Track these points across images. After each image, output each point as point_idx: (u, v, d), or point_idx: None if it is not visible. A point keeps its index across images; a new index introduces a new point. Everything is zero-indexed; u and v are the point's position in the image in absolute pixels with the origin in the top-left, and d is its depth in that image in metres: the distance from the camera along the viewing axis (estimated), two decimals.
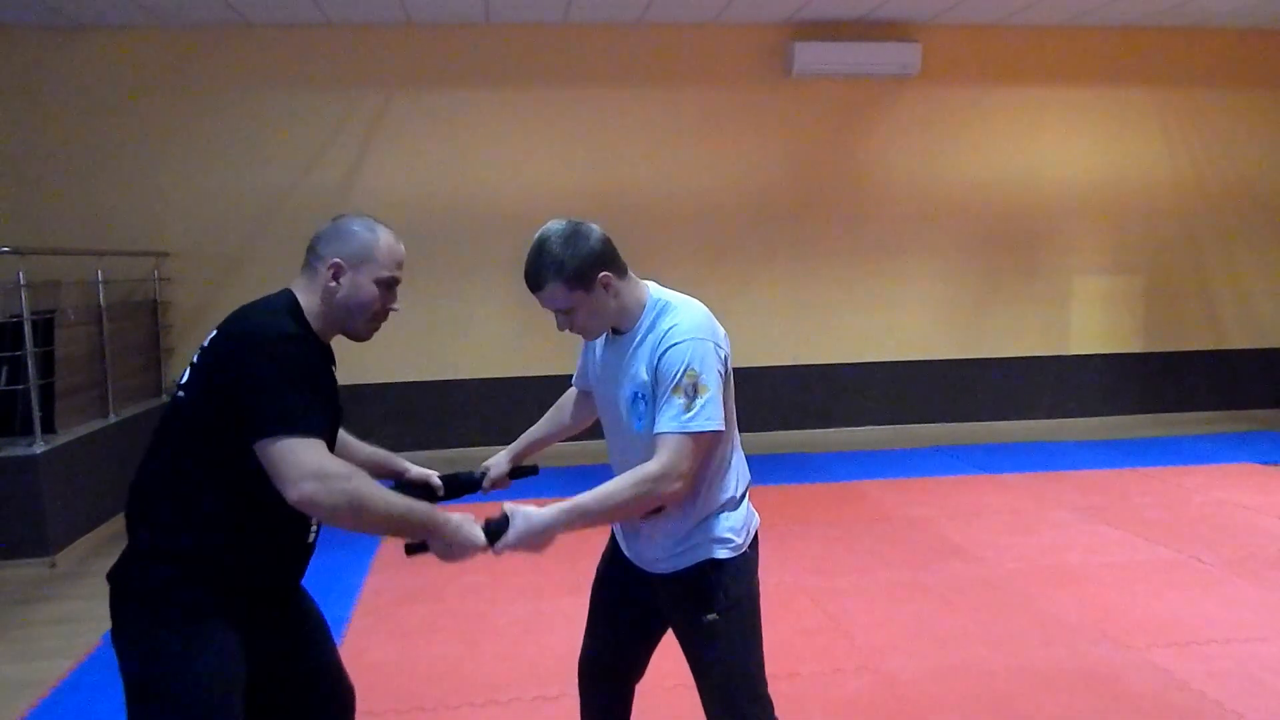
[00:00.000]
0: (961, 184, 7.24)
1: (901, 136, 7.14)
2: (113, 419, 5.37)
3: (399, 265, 1.84)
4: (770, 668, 2.00)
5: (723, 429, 1.82)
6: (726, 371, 1.89)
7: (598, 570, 2.19)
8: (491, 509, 1.83)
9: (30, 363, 4.59)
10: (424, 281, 6.73)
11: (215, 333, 1.74)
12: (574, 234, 1.84)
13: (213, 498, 1.68)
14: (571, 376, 2.32)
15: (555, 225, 1.86)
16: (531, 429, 2.36)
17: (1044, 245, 7.40)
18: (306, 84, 6.57)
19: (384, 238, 1.83)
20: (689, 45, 6.85)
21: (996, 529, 4.80)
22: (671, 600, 1.98)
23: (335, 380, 1.88)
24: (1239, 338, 7.71)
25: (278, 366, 1.63)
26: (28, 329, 4.60)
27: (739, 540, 1.94)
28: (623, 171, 6.89)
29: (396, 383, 6.76)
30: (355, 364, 6.82)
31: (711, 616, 1.91)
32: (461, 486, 2.25)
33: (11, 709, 3.14)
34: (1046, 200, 7.33)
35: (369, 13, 6.28)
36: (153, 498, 1.73)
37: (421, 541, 1.76)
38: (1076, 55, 7.21)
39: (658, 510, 1.89)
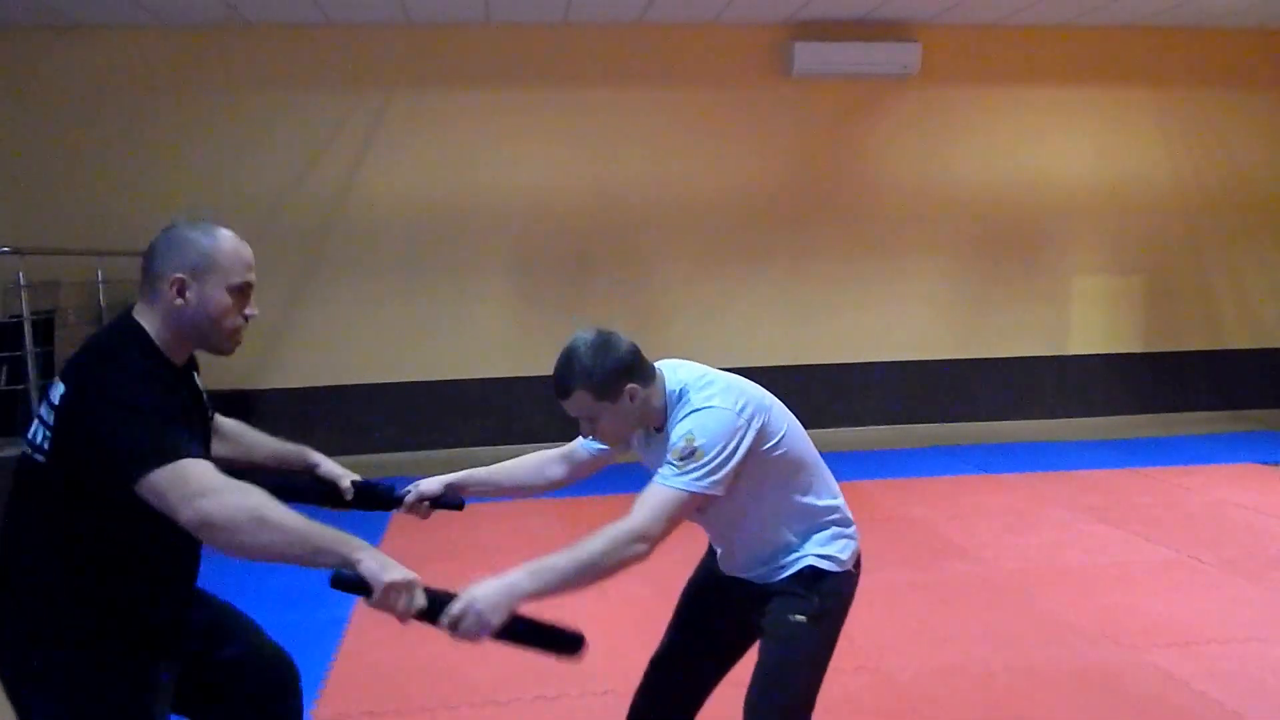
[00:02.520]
0: (961, 184, 7.24)
1: (901, 136, 7.14)
2: None
3: (249, 268, 1.74)
4: None
5: (708, 492, 1.79)
6: (761, 432, 1.87)
7: (691, 579, 2.18)
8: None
9: (30, 363, 4.60)
10: (423, 281, 6.73)
11: (63, 389, 1.63)
12: (604, 345, 1.87)
13: (84, 551, 1.63)
14: None
15: (585, 335, 1.90)
16: (484, 469, 2.21)
17: (1044, 245, 7.40)
18: (306, 84, 6.57)
19: (225, 241, 1.72)
20: (689, 45, 6.85)
21: (996, 529, 4.80)
22: (764, 600, 1.96)
23: (199, 397, 1.83)
24: (1239, 338, 7.70)
25: (127, 411, 1.55)
26: (28, 329, 4.61)
27: (845, 558, 2.00)
28: (622, 172, 6.89)
29: (395, 383, 6.75)
30: (354, 364, 6.88)
31: (799, 618, 1.90)
32: (376, 498, 2.03)
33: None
34: (1046, 200, 7.33)
35: (369, 13, 6.28)
36: (22, 557, 1.67)
37: (357, 576, 1.55)
38: (1076, 55, 7.20)
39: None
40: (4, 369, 4.86)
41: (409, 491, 2.08)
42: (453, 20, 6.52)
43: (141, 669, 1.69)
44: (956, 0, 6.40)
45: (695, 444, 1.79)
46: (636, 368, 1.89)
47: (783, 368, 7.14)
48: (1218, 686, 3.04)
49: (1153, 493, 5.43)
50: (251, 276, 1.74)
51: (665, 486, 1.79)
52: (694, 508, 1.84)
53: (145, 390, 1.59)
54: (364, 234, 6.68)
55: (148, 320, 1.70)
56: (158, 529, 1.56)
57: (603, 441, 2.00)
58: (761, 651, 1.95)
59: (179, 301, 1.67)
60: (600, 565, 1.71)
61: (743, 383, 1.95)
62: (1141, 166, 7.41)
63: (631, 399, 1.88)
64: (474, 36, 6.65)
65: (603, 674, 3.19)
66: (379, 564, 1.55)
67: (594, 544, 1.72)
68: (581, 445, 2.16)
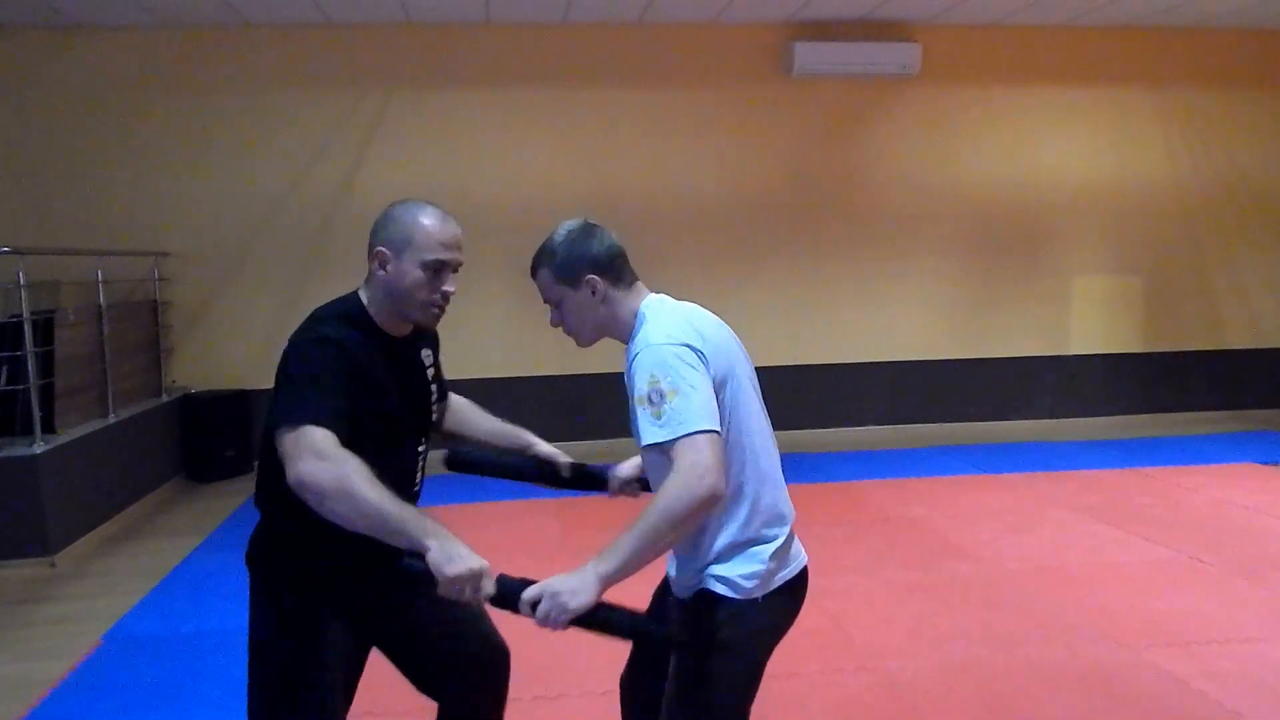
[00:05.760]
0: (961, 184, 7.24)
1: (901, 136, 7.14)
2: (113, 419, 5.37)
3: (445, 247, 1.80)
4: (770, 668, 1.93)
5: (707, 427, 1.61)
6: (715, 372, 1.71)
7: (654, 594, 2.08)
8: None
9: (30, 363, 4.59)
10: None
11: None
12: (581, 232, 1.86)
13: (275, 487, 1.72)
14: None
15: (572, 221, 1.88)
16: None
17: (1044, 245, 7.40)
18: (306, 84, 6.57)
19: (425, 219, 1.80)
20: (689, 45, 6.85)
21: (996, 529, 4.80)
22: (678, 619, 1.84)
23: (416, 369, 1.93)
24: (1239, 338, 7.71)
25: (296, 368, 1.71)
26: (28, 329, 4.60)
27: (749, 585, 1.74)
28: (622, 171, 6.89)
29: None
30: None
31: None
32: (590, 480, 2.08)
33: (11, 709, 3.14)
34: (1046, 200, 7.33)
35: (369, 13, 6.28)
36: (262, 485, 1.87)
37: (423, 565, 1.56)
38: (1076, 55, 7.21)
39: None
40: (4, 369, 4.85)
41: (615, 478, 2.09)
42: (453, 20, 6.52)
43: (307, 610, 1.83)
44: (956, 0, 6.41)
45: (661, 385, 1.63)
46: (607, 264, 1.83)
47: (783, 368, 7.15)
48: (1218, 686, 3.05)
49: (1153, 493, 5.43)
50: (448, 255, 1.80)
51: (675, 439, 1.60)
52: (720, 443, 1.63)
53: (312, 360, 1.71)
54: (364, 234, 6.53)
55: (367, 291, 1.85)
56: None
57: (567, 333, 1.89)
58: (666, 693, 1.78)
59: (381, 274, 1.80)
60: (674, 510, 1.56)
61: (704, 324, 1.79)
62: (1141, 166, 7.41)
63: (593, 292, 1.82)
64: (474, 36, 6.65)
65: (603, 674, 3.19)
66: (445, 555, 1.55)
67: (658, 500, 1.58)
68: None
